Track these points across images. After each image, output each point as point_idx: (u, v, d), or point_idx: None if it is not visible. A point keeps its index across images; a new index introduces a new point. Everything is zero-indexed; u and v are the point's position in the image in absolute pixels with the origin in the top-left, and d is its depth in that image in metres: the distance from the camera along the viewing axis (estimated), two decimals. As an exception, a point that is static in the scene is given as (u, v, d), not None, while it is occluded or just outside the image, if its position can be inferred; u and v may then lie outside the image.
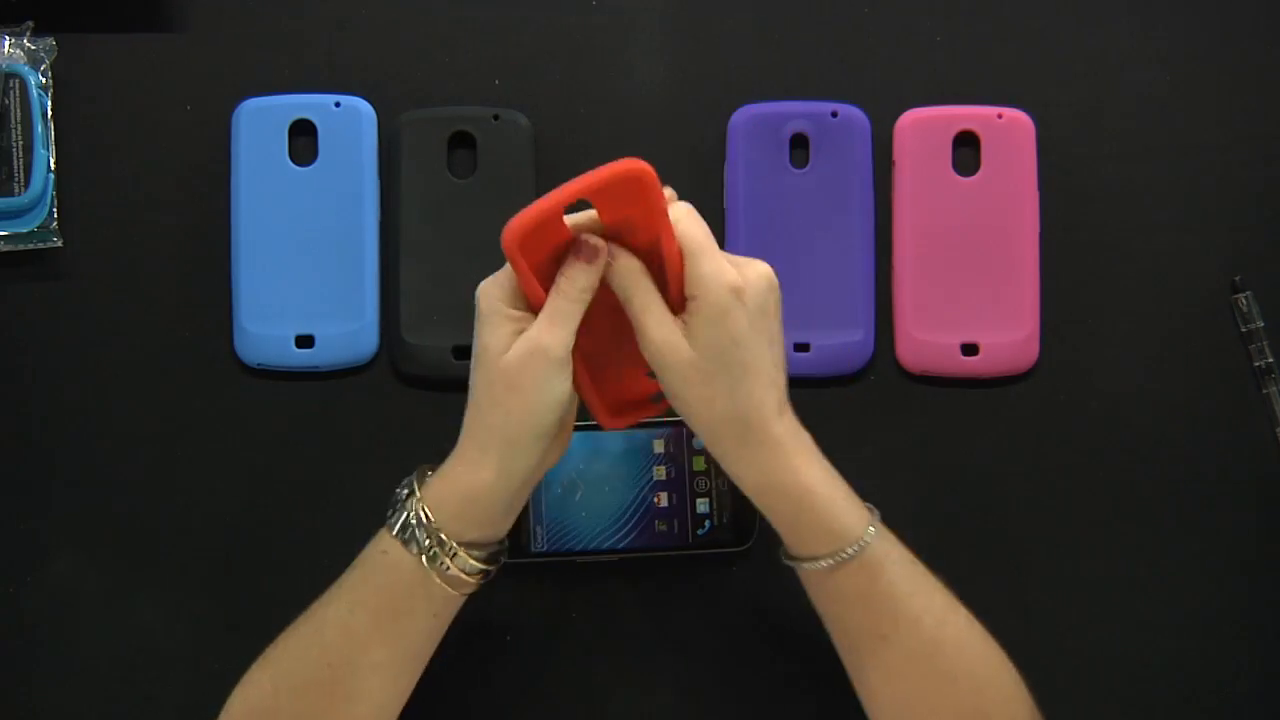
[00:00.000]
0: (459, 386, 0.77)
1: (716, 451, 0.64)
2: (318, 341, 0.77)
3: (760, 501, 0.64)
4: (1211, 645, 0.77)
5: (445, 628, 0.66)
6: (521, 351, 0.61)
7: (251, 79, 0.78)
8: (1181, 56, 0.80)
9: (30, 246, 0.76)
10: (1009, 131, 0.78)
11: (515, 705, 0.77)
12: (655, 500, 0.76)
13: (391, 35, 0.79)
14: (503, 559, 0.66)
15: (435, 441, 0.77)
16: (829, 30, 0.80)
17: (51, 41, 0.77)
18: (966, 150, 0.78)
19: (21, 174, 0.76)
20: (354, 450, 0.78)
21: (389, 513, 0.64)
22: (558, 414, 0.62)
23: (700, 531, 0.76)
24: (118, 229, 0.78)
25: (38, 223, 0.76)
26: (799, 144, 0.78)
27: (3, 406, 0.77)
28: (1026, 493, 0.78)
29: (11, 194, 0.76)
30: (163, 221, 0.78)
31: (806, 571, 0.65)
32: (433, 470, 0.65)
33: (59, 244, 0.77)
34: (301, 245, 0.77)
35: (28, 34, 0.77)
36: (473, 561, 0.63)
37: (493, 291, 0.62)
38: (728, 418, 0.62)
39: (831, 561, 0.63)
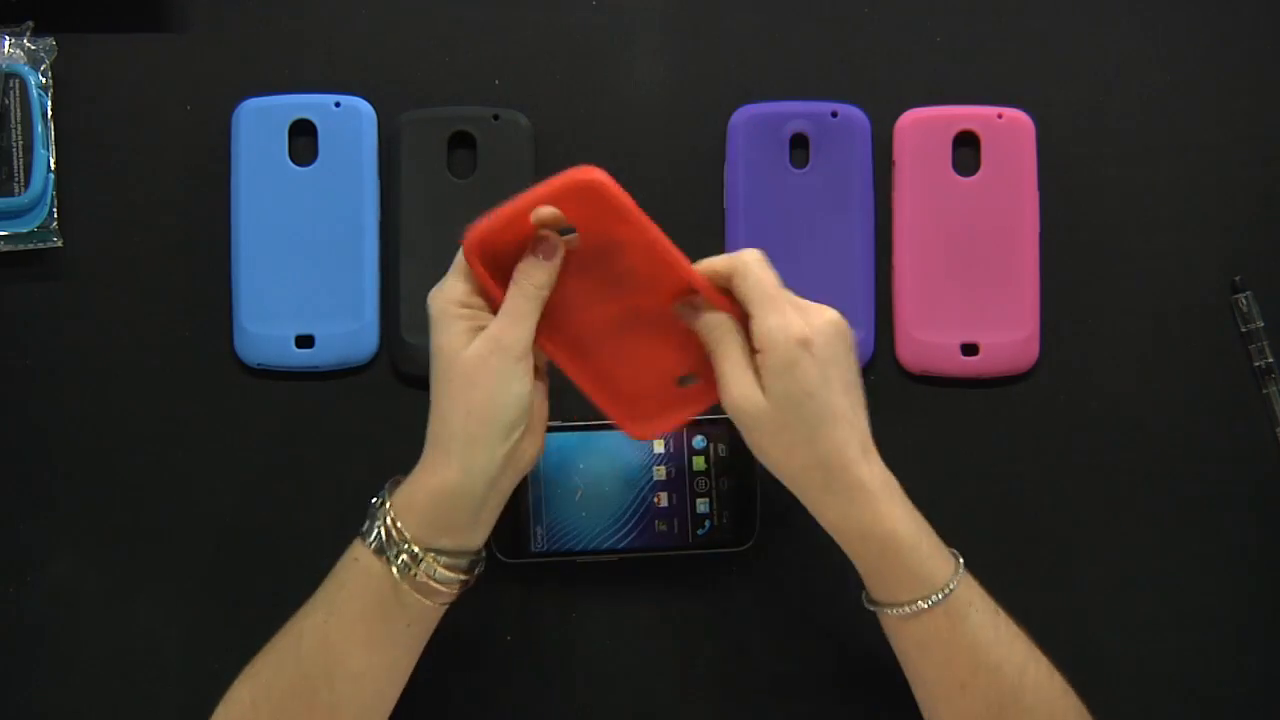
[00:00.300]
0: (459, 386, 0.78)
1: (803, 498, 0.64)
2: (318, 341, 0.77)
3: (846, 546, 0.65)
4: (1211, 645, 0.77)
5: (425, 638, 0.66)
6: (480, 349, 0.61)
7: (251, 79, 0.78)
8: (1181, 56, 0.80)
9: (30, 246, 0.76)
10: (1009, 131, 0.78)
11: (515, 706, 0.77)
12: (655, 500, 0.76)
13: (391, 35, 0.79)
14: (479, 570, 0.65)
15: (435, 441, 0.77)
16: (829, 30, 0.80)
17: (51, 41, 0.77)
18: (966, 150, 0.78)
19: (21, 174, 0.76)
20: (354, 450, 0.78)
21: (364, 523, 0.64)
22: (518, 410, 0.62)
23: (700, 531, 0.76)
24: (118, 229, 0.78)
25: (38, 223, 0.76)
26: (799, 144, 0.78)
27: (3, 406, 0.77)
28: (1026, 493, 0.78)
29: (11, 194, 0.76)
30: (163, 221, 0.78)
31: (887, 617, 0.65)
32: (403, 479, 0.65)
33: (59, 244, 0.77)
34: (301, 245, 0.77)
35: (28, 34, 0.77)
36: (441, 569, 0.63)
37: (441, 295, 0.63)
38: (809, 465, 0.63)
39: (913, 608, 0.64)
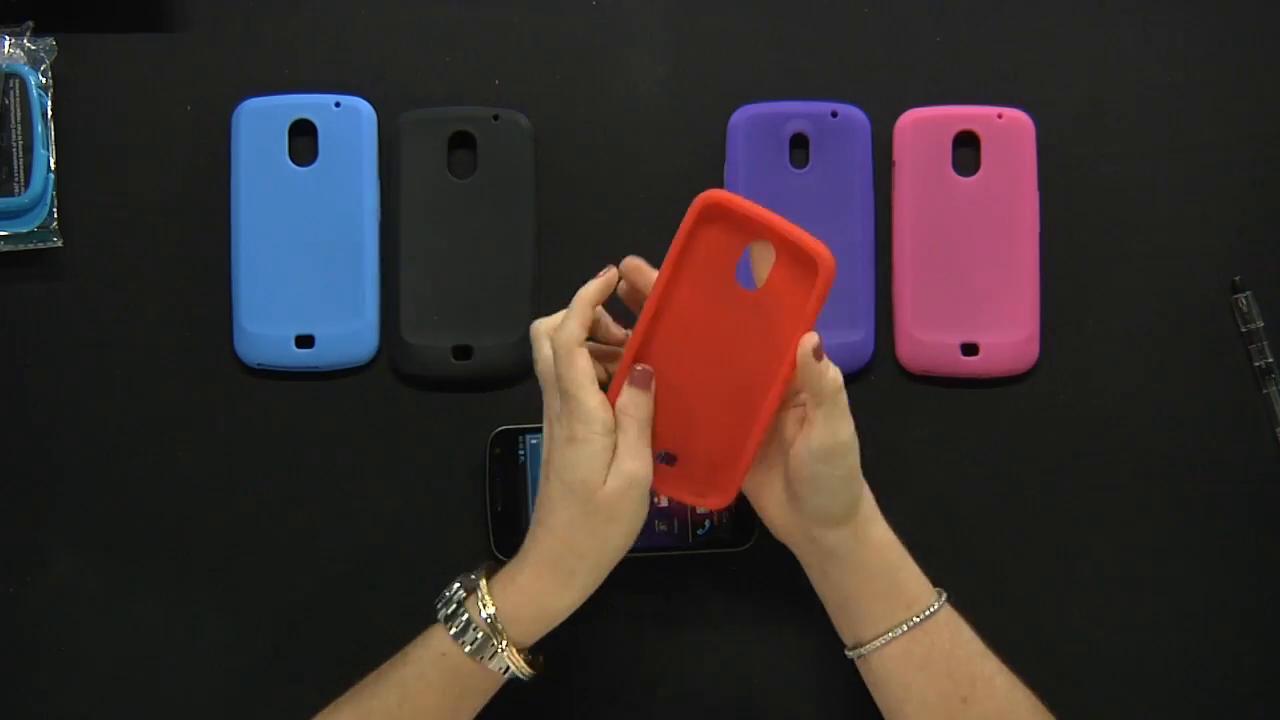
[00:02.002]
0: (458, 386, 0.78)
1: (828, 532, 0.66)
2: (318, 341, 0.77)
3: (862, 568, 0.67)
4: (1211, 645, 0.77)
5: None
6: (620, 484, 0.63)
7: (251, 79, 0.78)
8: (1181, 56, 0.80)
9: (30, 246, 0.76)
10: (1009, 131, 0.78)
11: (512, 707, 0.77)
12: (655, 500, 0.76)
13: (391, 35, 0.79)
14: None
15: (435, 441, 0.77)
16: (829, 30, 0.80)
17: (51, 41, 0.77)
18: (966, 150, 0.78)
19: (21, 174, 0.76)
20: (354, 450, 0.78)
21: (447, 609, 0.66)
22: (638, 533, 0.65)
23: (700, 532, 0.76)
24: (118, 229, 0.78)
25: (38, 223, 0.76)
26: (799, 144, 0.78)
27: (3, 406, 0.77)
28: (1026, 493, 0.78)
29: (11, 194, 0.76)
30: (163, 221, 0.78)
31: (891, 647, 0.66)
32: (491, 573, 0.66)
33: (59, 244, 0.77)
34: (301, 245, 0.77)
35: (28, 34, 0.77)
36: (524, 665, 0.66)
37: (562, 333, 0.64)
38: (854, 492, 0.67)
39: (923, 615, 0.66)
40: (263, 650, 0.76)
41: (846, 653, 0.69)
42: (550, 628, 0.66)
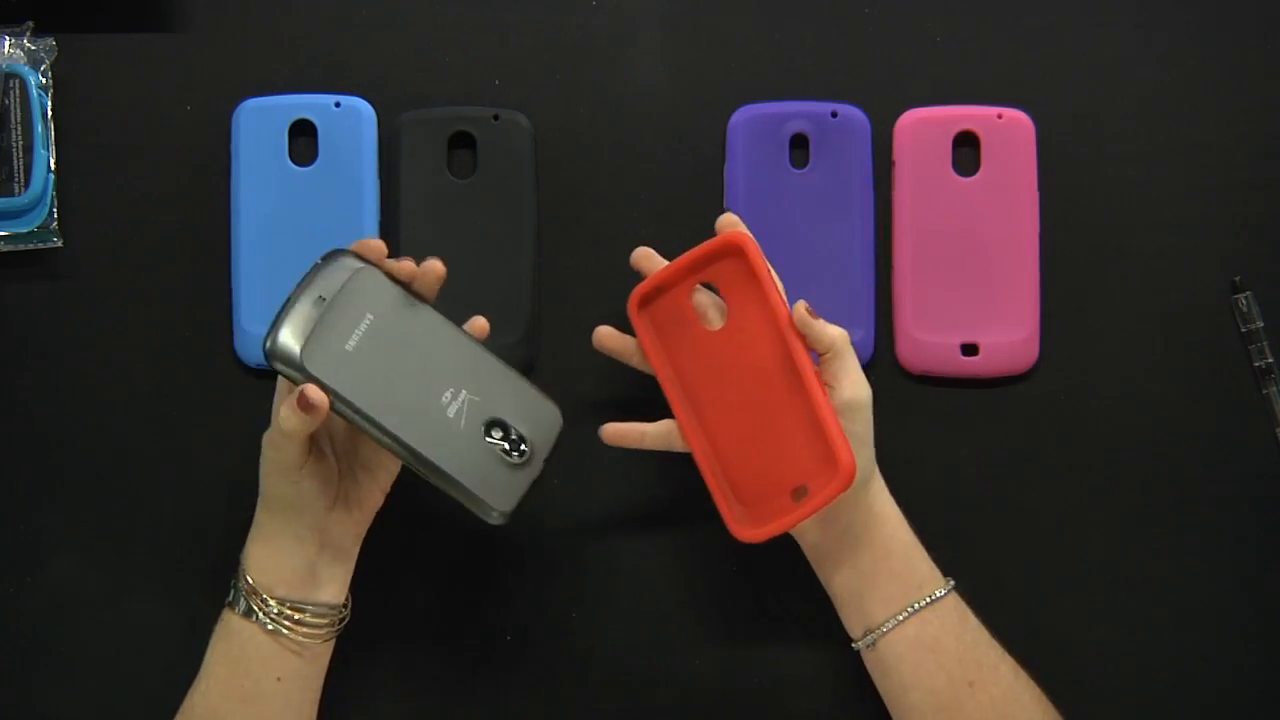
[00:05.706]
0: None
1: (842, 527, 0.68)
2: (318, 341, 0.77)
3: (871, 546, 0.68)
4: (1211, 645, 0.77)
5: (303, 695, 0.68)
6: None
7: (251, 79, 0.78)
8: (1181, 56, 0.80)
9: (30, 246, 0.76)
10: (1009, 131, 0.78)
11: (513, 708, 0.77)
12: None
13: (391, 35, 0.79)
14: (329, 626, 0.68)
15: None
16: (829, 30, 0.80)
17: (51, 41, 0.77)
18: (966, 150, 0.78)
19: (21, 174, 0.76)
20: (354, 450, 0.77)
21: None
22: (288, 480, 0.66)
23: None
24: (118, 229, 0.78)
25: (38, 223, 0.76)
26: (799, 144, 0.78)
27: (3, 406, 0.77)
28: (1026, 493, 0.78)
29: (11, 194, 0.76)
30: (163, 221, 0.78)
31: (899, 630, 0.67)
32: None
33: (59, 244, 0.77)
34: (301, 245, 0.77)
35: (28, 34, 0.77)
36: (288, 622, 0.66)
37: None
38: (860, 492, 0.68)
39: (932, 598, 0.67)
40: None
41: (854, 645, 0.69)
42: (275, 565, 0.67)
